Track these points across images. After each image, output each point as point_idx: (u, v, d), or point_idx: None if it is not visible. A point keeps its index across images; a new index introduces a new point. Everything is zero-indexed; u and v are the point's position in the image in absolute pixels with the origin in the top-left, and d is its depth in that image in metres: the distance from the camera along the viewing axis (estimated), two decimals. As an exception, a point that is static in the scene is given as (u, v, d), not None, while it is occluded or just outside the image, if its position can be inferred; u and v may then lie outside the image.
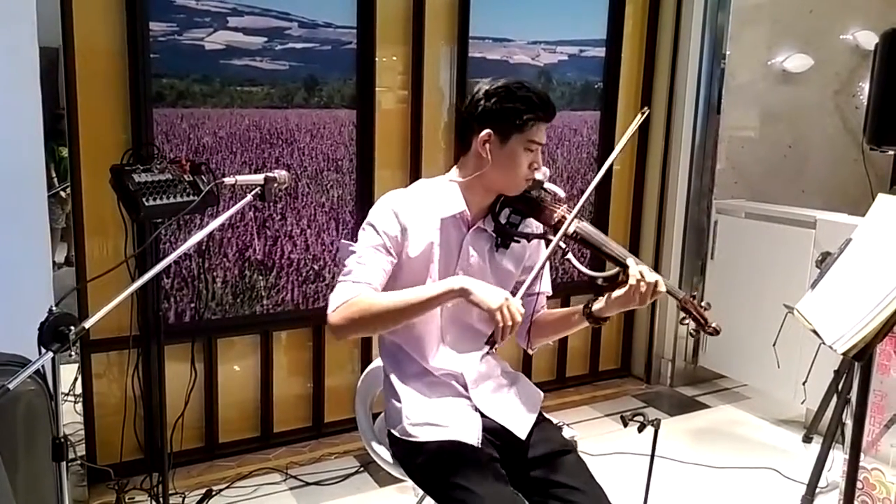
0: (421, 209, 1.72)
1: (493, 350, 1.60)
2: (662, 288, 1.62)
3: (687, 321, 1.69)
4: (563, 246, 1.68)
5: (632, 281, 1.61)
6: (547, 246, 1.73)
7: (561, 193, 1.77)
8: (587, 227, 1.71)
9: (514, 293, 1.80)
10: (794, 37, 3.82)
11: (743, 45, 3.70)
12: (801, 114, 3.94)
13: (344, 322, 1.59)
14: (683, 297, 1.67)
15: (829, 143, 4.05)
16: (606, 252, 1.69)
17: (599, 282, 1.73)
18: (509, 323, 1.50)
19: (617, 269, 1.68)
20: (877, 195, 1.93)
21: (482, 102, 1.69)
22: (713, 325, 1.67)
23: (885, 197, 1.90)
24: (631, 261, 1.64)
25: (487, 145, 1.68)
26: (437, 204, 1.73)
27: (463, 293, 1.54)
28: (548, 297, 1.91)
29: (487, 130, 1.68)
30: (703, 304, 1.69)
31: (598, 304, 1.71)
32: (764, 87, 3.81)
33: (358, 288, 1.61)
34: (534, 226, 1.78)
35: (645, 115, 1.76)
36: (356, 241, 1.72)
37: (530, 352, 1.91)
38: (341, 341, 1.47)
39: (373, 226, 1.69)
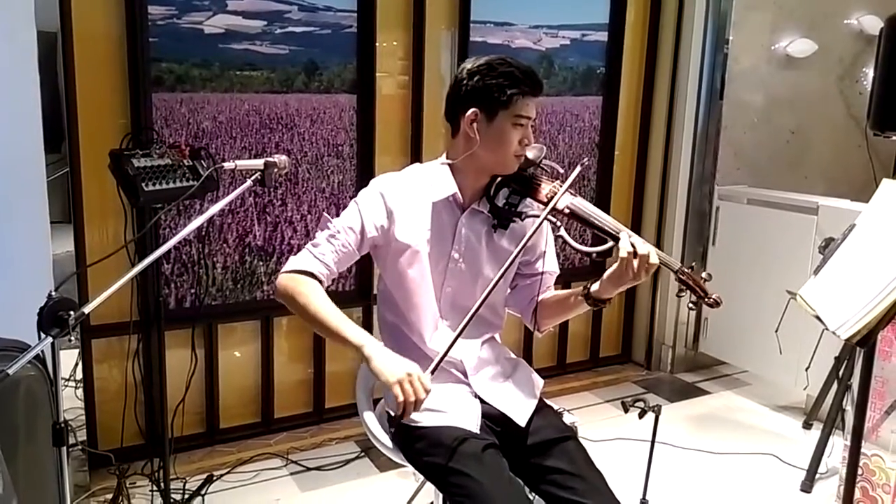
0: (411, 193, 1.71)
1: (394, 426, 1.55)
2: (655, 259, 1.58)
3: (684, 293, 1.62)
4: (555, 220, 1.66)
5: (622, 254, 1.58)
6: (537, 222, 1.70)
7: (559, 170, 1.75)
8: (581, 203, 1.68)
9: (517, 273, 1.80)
10: (798, 21, 3.79)
11: (746, 29, 3.67)
12: (805, 99, 3.91)
13: (282, 291, 1.65)
14: (679, 269, 1.61)
15: (833, 129, 4.03)
16: (599, 226, 1.66)
17: (593, 256, 1.71)
18: (411, 399, 1.45)
19: (611, 243, 1.64)
20: (880, 181, 1.92)
21: (465, 82, 1.67)
22: (713, 296, 1.60)
23: (889, 182, 1.89)
24: (623, 234, 1.61)
25: (474, 124, 1.67)
26: (427, 188, 1.72)
27: (367, 358, 1.52)
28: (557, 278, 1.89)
29: (473, 109, 1.66)
30: (702, 274, 1.62)
31: (595, 285, 1.69)
32: (767, 73, 3.78)
33: (315, 265, 1.65)
34: (532, 205, 1.75)
35: (584, 168, 1.70)
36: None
37: (538, 334, 1.90)
38: (277, 300, 1.55)
39: (357, 206, 1.70)
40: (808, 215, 3.26)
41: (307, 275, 1.64)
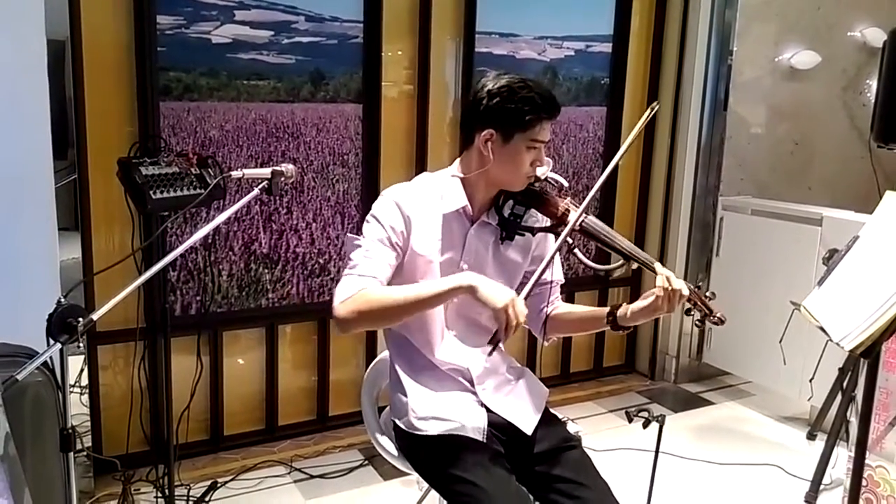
0: (423, 204, 1.72)
1: (495, 349, 1.58)
2: (686, 293, 1.60)
3: (692, 312, 1.67)
4: (570, 241, 1.68)
5: (658, 292, 1.59)
6: (556, 238, 1.71)
7: (563, 182, 1.77)
8: (593, 221, 1.70)
9: (523, 283, 1.81)
10: (802, 33, 3.81)
11: (750, 41, 3.69)
12: (809, 111, 3.92)
13: (351, 315, 1.58)
14: (690, 289, 1.64)
15: (837, 141, 4.04)
16: (610, 244, 1.68)
17: (602, 274, 1.74)
18: (513, 322, 1.50)
19: (621, 261, 1.67)
20: (884, 192, 1.93)
21: (485, 101, 1.68)
22: (718, 314, 1.65)
23: (893, 194, 1.90)
24: (658, 266, 1.63)
25: (490, 144, 1.68)
26: (438, 199, 1.74)
27: (470, 290, 1.54)
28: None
29: (490, 130, 1.67)
30: (707, 293, 1.67)
31: (623, 313, 1.70)
32: (771, 84, 3.80)
33: (364, 281, 1.60)
34: (538, 217, 1.77)
35: (654, 111, 1.74)
36: (361, 234, 1.72)
37: (545, 343, 1.90)
38: (348, 334, 1.48)
39: (377, 219, 1.69)
40: (812, 226, 3.27)
41: (361, 291, 1.60)
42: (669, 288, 1.58)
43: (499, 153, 1.68)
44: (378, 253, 1.65)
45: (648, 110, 1.73)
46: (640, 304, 1.65)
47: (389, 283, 1.66)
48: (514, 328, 1.51)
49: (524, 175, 1.71)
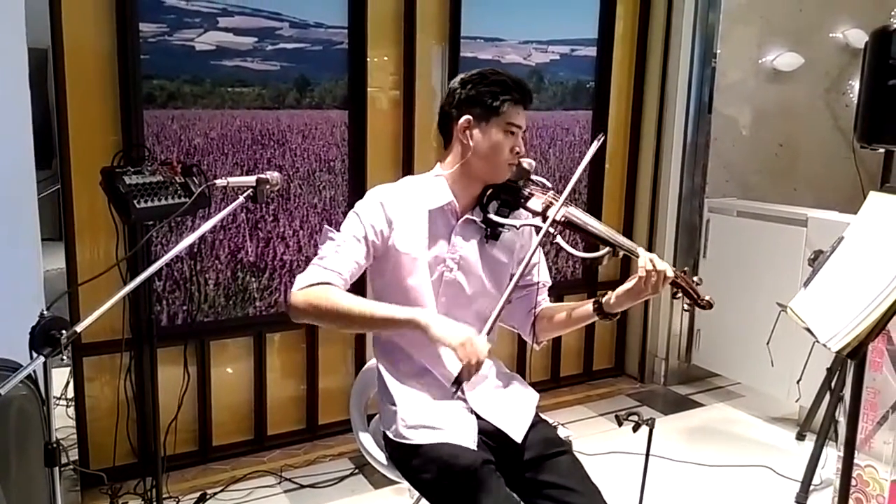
0: (408, 202, 1.74)
1: (459, 390, 1.56)
2: (671, 274, 1.63)
3: (679, 296, 1.69)
4: (552, 231, 1.69)
5: (641, 272, 1.62)
6: (537, 234, 1.73)
7: (548, 185, 1.79)
8: (575, 211, 1.72)
9: (508, 284, 1.81)
10: (785, 35, 3.84)
11: (733, 43, 3.71)
12: (792, 112, 3.95)
13: (304, 306, 1.61)
14: (675, 272, 1.67)
15: (820, 142, 4.07)
16: (594, 233, 1.70)
17: (588, 263, 1.75)
18: (473, 361, 1.50)
19: (605, 249, 1.69)
20: (868, 193, 1.94)
21: (458, 91, 1.73)
22: (706, 298, 1.68)
23: (876, 195, 1.91)
24: (641, 251, 1.65)
25: (468, 132, 1.72)
26: (424, 197, 1.75)
27: (424, 328, 1.55)
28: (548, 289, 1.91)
29: (466, 117, 1.72)
30: (694, 278, 1.70)
31: (608, 299, 1.72)
32: (755, 86, 3.82)
33: (328, 275, 1.63)
34: (522, 216, 1.78)
35: (601, 142, 1.76)
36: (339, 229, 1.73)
37: (536, 347, 1.91)
38: (297, 322, 1.50)
39: (358, 215, 1.71)
40: (798, 227, 3.29)
41: (323, 286, 1.63)
42: (653, 269, 1.61)
43: (477, 140, 1.71)
44: (348, 249, 1.67)
45: (595, 142, 1.74)
46: (624, 287, 1.68)
47: (376, 283, 1.69)
48: (475, 366, 1.50)
49: (504, 162, 1.73)
